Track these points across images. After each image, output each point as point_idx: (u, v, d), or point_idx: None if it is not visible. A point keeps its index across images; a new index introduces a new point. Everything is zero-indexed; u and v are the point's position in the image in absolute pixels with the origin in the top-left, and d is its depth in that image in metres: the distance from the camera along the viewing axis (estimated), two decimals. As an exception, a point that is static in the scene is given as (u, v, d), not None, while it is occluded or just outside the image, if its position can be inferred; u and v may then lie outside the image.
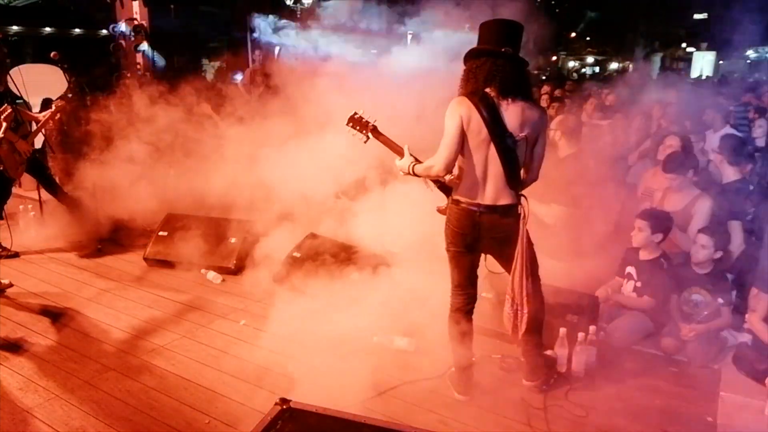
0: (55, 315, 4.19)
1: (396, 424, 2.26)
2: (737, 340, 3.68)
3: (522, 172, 2.98)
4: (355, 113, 3.31)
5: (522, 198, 2.99)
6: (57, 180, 5.99)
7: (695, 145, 5.66)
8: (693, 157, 4.65)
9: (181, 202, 5.65)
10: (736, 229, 4.20)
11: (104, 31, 11.24)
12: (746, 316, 3.55)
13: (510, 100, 2.84)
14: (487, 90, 2.85)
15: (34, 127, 5.32)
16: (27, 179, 5.87)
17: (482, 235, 2.99)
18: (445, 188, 3.13)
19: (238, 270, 4.99)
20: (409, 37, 5.60)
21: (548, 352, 3.45)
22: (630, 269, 4.02)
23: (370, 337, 3.75)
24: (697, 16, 32.50)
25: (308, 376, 3.39)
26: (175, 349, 3.72)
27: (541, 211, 4.08)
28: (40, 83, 6.69)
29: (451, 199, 3.08)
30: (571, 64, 35.89)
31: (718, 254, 3.76)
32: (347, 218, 4.86)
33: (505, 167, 2.88)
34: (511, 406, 3.16)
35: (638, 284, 3.94)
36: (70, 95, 5.75)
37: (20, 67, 6.43)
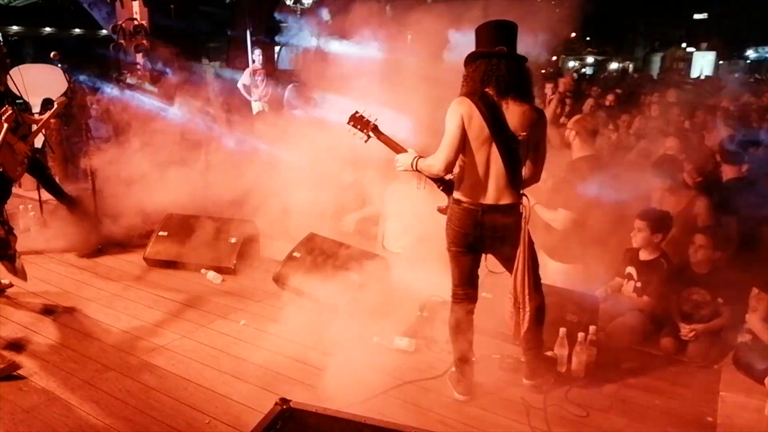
0: (55, 315, 4.19)
1: (396, 424, 2.26)
2: (737, 340, 3.68)
3: (524, 171, 2.99)
4: (356, 112, 3.32)
5: (524, 197, 2.99)
6: (57, 180, 5.99)
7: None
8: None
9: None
10: (734, 227, 4.20)
11: (104, 31, 11.25)
12: (746, 316, 3.55)
13: (509, 99, 2.85)
14: (487, 90, 2.86)
15: (34, 127, 5.31)
16: (27, 179, 5.86)
17: (484, 234, 2.99)
18: (447, 188, 3.13)
19: (238, 270, 4.99)
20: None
21: (548, 353, 3.45)
22: (630, 269, 4.02)
23: (370, 337, 3.75)
24: (697, 16, 32.54)
25: (308, 376, 3.40)
26: (175, 349, 3.72)
27: (548, 216, 4.02)
28: (40, 83, 6.68)
29: (452, 199, 3.08)
30: (571, 64, 35.88)
31: (717, 254, 3.76)
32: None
33: (506, 166, 2.89)
34: (511, 406, 3.16)
35: (638, 284, 3.94)
36: (70, 95, 5.74)
37: (20, 67, 6.42)
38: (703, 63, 29.94)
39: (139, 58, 7.76)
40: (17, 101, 5.61)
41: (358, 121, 3.31)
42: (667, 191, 4.31)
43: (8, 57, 4.51)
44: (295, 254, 4.67)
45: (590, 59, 36.31)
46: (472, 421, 3.03)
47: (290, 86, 6.46)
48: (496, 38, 2.87)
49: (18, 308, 4.28)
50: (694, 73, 27.22)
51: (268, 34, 11.44)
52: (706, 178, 5.02)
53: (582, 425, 3.03)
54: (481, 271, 3.21)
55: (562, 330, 3.43)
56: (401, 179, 4.65)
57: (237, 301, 4.47)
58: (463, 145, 2.88)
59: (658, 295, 3.85)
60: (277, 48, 12.10)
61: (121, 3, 7.82)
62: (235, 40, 12.13)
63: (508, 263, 3.08)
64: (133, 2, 7.77)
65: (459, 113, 2.84)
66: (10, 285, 4.61)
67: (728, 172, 4.77)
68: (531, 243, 3.00)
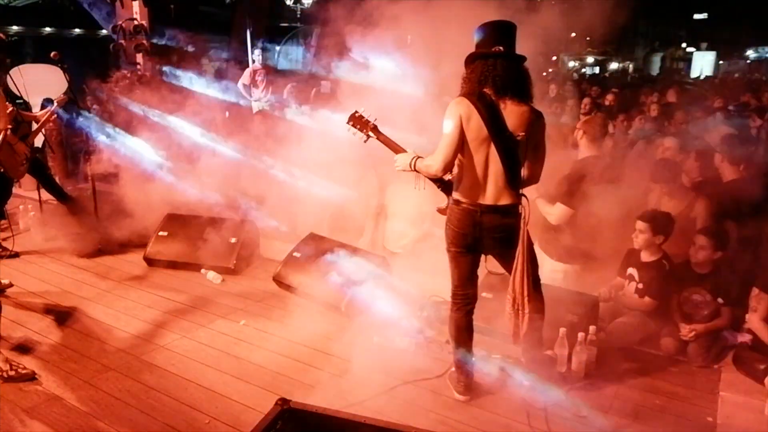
0: (55, 315, 4.19)
1: (396, 424, 2.25)
2: (737, 340, 3.68)
3: (523, 171, 2.99)
4: (356, 112, 3.32)
5: (523, 198, 2.99)
6: (57, 180, 5.99)
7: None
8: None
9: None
10: (734, 228, 4.20)
11: (104, 31, 11.25)
12: (746, 316, 3.55)
13: (507, 99, 2.85)
14: (485, 90, 2.86)
15: (34, 126, 5.31)
16: (27, 179, 5.86)
17: (483, 235, 2.99)
18: (446, 188, 3.13)
19: (238, 270, 4.99)
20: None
21: (548, 352, 3.45)
22: (631, 270, 4.02)
23: (370, 337, 3.75)
24: (697, 16, 32.52)
25: (308, 376, 3.40)
26: (175, 349, 3.72)
27: (546, 209, 4.05)
28: (40, 83, 6.68)
29: (451, 200, 3.08)
30: (571, 64, 35.85)
31: (718, 254, 3.76)
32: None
33: (505, 166, 2.89)
34: (511, 406, 3.15)
35: (640, 286, 3.94)
36: (70, 94, 5.74)
37: (20, 67, 6.42)
38: (703, 63, 29.95)
39: (139, 58, 7.76)
40: (17, 101, 5.62)
41: (357, 120, 3.31)
42: (666, 194, 4.31)
43: (8, 57, 4.50)
44: (295, 254, 4.68)
45: (590, 59, 36.29)
46: (472, 421, 3.03)
47: (289, 86, 6.46)
48: (494, 38, 2.87)
49: (18, 308, 4.27)
50: (694, 73, 27.24)
51: (269, 34, 11.44)
52: (706, 178, 5.01)
53: (582, 425, 3.03)
54: (481, 271, 3.21)
55: (562, 330, 3.43)
56: (401, 179, 4.64)
57: (237, 301, 4.47)
58: (462, 145, 2.88)
59: (659, 296, 3.85)
60: (277, 48, 12.10)
61: (121, 3, 7.81)
62: (235, 40, 12.14)
63: (507, 264, 3.08)
64: (133, 2, 7.76)
65: (457, 113, 2.84)
66: (10, 285, 4.62)
67: (728, 173, 4.76)
68: (530, 244, 2.99)
